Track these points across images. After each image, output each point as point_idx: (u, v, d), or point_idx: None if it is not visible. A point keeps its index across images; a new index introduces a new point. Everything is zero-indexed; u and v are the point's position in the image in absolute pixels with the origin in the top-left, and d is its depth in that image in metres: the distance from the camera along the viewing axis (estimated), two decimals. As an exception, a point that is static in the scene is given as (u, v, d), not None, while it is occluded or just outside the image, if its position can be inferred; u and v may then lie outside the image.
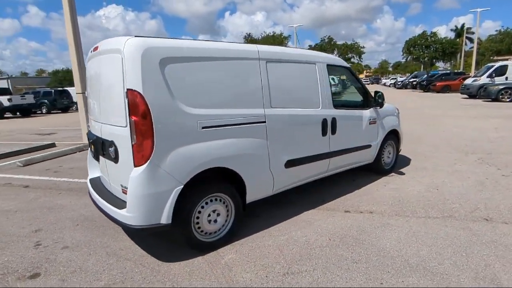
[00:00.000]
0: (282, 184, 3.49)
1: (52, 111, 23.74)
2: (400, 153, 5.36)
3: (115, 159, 2.74)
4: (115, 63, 2.52)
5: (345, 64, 4.30)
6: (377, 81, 61.72)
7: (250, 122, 3.04)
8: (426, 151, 6.34)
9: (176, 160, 2.60)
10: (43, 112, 23.45)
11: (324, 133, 3.73)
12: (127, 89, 2.43)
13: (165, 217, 2.59)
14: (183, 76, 2.64)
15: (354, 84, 4.50)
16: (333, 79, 8.52)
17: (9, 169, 6.23)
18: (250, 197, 3.21)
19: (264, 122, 3.15)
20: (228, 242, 3.04)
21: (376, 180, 4.69)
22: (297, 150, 3.52)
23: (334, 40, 47.07)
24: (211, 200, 2.91)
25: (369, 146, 4.49)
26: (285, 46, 38.18)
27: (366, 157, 4.57)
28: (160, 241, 3.09)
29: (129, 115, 2.45)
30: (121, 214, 2.61)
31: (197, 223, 2.85)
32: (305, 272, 2.55)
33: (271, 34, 38.79)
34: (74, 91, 27.43)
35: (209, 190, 2.88)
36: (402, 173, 4.97)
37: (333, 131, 3.85)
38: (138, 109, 2.42)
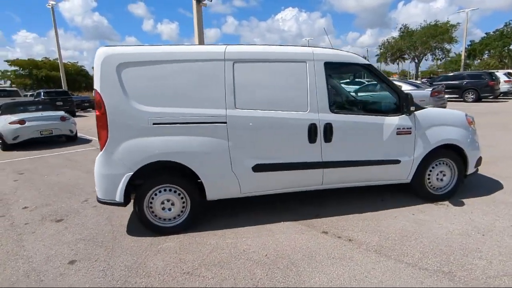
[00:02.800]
0: (252, 188, 3.37)
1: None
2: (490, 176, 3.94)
3: None
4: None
5: (359, 60, 3.53)
6: None
7: (207, 122, 3.12)
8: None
9: (127, 150, 3.04)
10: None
11: (312, 140, 3.30)
12: (94, 89, 3.04)
13: (118, 196, 3.09)
14: (138, 77, 3.02)
15: (379, 84, 3.65)
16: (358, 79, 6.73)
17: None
18: (212, 194, 3.30)
19: (225, 122, 3.15)
20: (184, 231, 3.27)
21: (409, 206, 3.69)
22: (269, 155, 3.30)
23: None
24: (164, 190, 3.21)
25: (396, 161, 3.58)
26: (450, 36, 31.82)
27: (393, 174, 3.67)
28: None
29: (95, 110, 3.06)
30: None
31: (151, 207, 3.22)
32: (202, 277, 2.53)
33: (433, 23, 32.81)
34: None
35: (161, 181, 3.19)
36: (460, 204, 3.69)
37: (327, 139, 3.34)
38: (98, 106, 3.00)
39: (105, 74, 2.96)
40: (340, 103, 3.61)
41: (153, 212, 3.24)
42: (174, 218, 3.29)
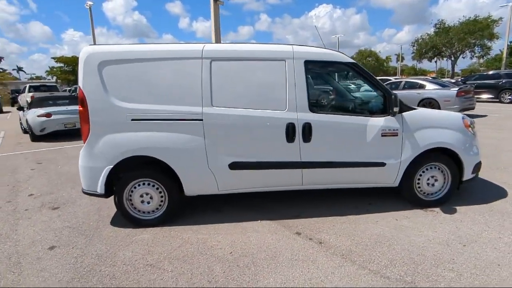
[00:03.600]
0: (230, 185, 3.40)
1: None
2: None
3: None
4: None
5: (343, 58, 3.39)
6: None
7: (184, 119, 3.18)
8: None
9: (108, 144, 3.18)
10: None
11: (290, 139, 3.26)
12: (78, 86, 3.20)
13: (99, 188, 3.25)
14: (118, 75, 3.14)
15: (366, 84, 3.51)
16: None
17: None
18: (189, 190, 3.37)
19: (201, 120, 3.19)
20: (161, 224, 3.38)
21: (396, 211, 3.53)
22: (246, 153, 3.30)
23: None
24: (143, 183, 3.33)
25: (381, 164, 3.43)
26: (491, 31, 29.33)
27: (378, 177, 3.52)
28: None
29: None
30: None
31: (130, 200, 3.35)
32: (162, 270, 2.60)
33: (473, 18, 30.50)
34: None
35: (140, 175, 3.31)
36: (452, 211, 3.46)
37: (306, 139, 3.28)
38: (81, 102, 3.16)
39: (87, 72, 3.11)
40: (322, 102, 3.52)
41: (132, 204, 3.37)
42: (153, 211, 3.40)
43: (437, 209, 3.55)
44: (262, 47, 3.32)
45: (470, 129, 3.62)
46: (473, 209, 3.52)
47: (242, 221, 3.44)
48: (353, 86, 11.34)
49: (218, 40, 10.16)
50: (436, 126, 3.48)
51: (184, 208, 3.73)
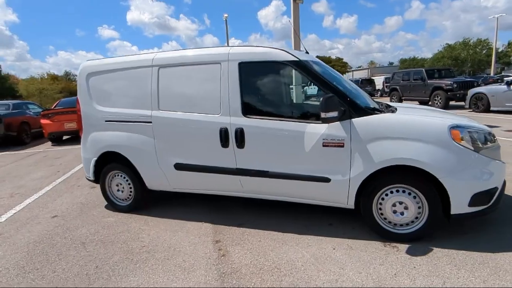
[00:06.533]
0: (178, 184, 3.59)
1: (356, 97, 27.29)
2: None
3: None
4: None
5: (281, 57, 2.90)
6: None
7: (139, 121, 3.57)
8: None
9: (93, 140, 3.92)
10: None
11: (224, 144, 3.17)
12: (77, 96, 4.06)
13: (91, 175, 4.05)
14: (98, 84, 3.81)
15: (315, 85, 2.91)
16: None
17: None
18: (149, 184, 3.76)
19: (150, 122, 3.51)
20: (130, 211, 3.90)
21: (351, 239, 2.88)
22: (187, 155, 3.40)
23: None
24: (118, 175, 3.92)
25: (325, 179, 2.85)
26: None
27: (324, 195, 2.94)
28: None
29: (79, 110, 4.10)
30: None
31: (110, 187, 4.02)
32: (82, 250, 3.08)
33: None
34: (380, 79, 29.54)
35: (113, 167, 3.90)
36: (421, 252, 2.54)
37: (240, 145, 3.10)
38: (77, 107, 4.00)
39: (80, 83, 3.92)
40: (257, 106, 3.16)
41: (111, 191, 4.03)
42: (125, 199, 3.96)
43: (402, 246, 2.69)
44: (200, 51, 3.32)
45: (462, 142, 2.55)
46: (460, 255, 2.50)
47: (190, 220, 3.57)
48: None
49: (297, 39, 9.99)
50: (400, 136, 2.62)
51: (168, 200, 4.16)
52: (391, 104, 3.73)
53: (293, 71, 3.01)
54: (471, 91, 10.97)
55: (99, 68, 3.82)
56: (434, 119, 2.70)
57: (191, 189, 3.59)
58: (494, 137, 2.79)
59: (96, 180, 4.05)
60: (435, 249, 2.61)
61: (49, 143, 10.67)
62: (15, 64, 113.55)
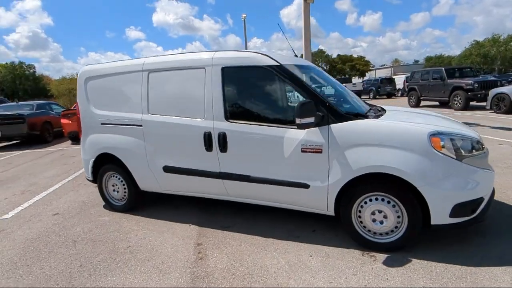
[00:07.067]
0: (167, 186, 3.66)
1: (376, 97, 26.60)
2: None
3: None
4: None
5: (262, 62, 2.87)
6: None
7: (130, 124, 3.68)
8: None
9: (90, 142, 4.08)
10: (370, 97, 26.99)
11: (208, 148, 3.20)
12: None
13: (90, 175, 4.22)
14: (94, 88, 3.96)
15: (295, 90, 2.87)
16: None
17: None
18: (142, 185, 3.86)
19: (141, 125, 3.60)
20: (126, 212, 4.04)
21: (330, 246, 2.84)
22: (174, 158, 3.47)
23: None
24: (113, 176, 4.06)
25: (305, 185, 2.82)
26: None
27: (305, 201, 2.91)
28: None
29: (78, 113, 4.27)
30: None
31: (106, 187, 4.17)
32: (72, 247, 3.22)
33: None
34: (399, 79, 28.83)
35: (109, 168, 4.04)
36: (399, 263, 2.46)
37: (223, 149, 3.13)
38: (77, 110, 4.17)
39: (79, 87, 4.08)
40: (240, 111, 3.16)
41: (107, 191, 4.17)
42: (120, 199, 4.09)
43: (381, 256, 2.62)
44: (189, 56, 3.37)
45: (445, 150, 2.44)
46: (437, 269, 2.40)
47: (179, 222, 3.64)
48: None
49: (307, 39, 9.89)
50: (377, 143, 2.55)
51: (162, 201, 4.27)
52: (386, 107, 3.64)
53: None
54: (493, 91, 10.41)
55: (96, 73, 3.96)
56: (415, 125, 2.60)
57: (179, 191, 3.66)
58: (482, 145, 2.65)
59: (94, 180, 4.21)
60: (414, 261, 2.52)
61: (69, 141, 11.15)
62: (50, 65, 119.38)
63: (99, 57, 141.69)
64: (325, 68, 59.81)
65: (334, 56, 61.92)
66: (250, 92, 3.22)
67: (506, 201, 3.56)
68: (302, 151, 2.79)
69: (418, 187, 2.44)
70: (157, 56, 3.63)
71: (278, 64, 2.94)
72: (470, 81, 11.63)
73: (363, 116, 2.87)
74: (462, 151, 2.49)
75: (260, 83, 3.13)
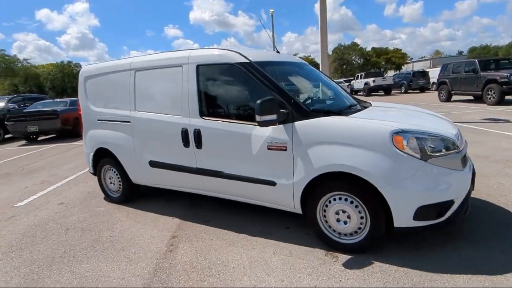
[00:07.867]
0: (155, 180, 3.82)
1: (408, 91, 25.30)
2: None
3: None
4: None
5: (232, 59, 2.86)
6: None
7: (121, 120, 3.87)
8: None
9: (90, 137, 4.35)
10: (401, 91, 25.75)
11: (185, 144, 3.29)
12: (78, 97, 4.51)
13: (91, 169, 4.50)
14: (92, 86, 4.20)
15: (263, 88, 2.82)
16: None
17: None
18: (133, 179, 4.06)
19: (129, 122, 3.78)
20: (121, 203, 4.27)
21: (297, 245, 2.81)
22: (157, 154, 3.60)
23: None
24: (110, 170, 4.30)
25: (271, 183, 2.81)
26: None
27: (273, 198, 2.90)
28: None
29: (81, 110, 4.55)
30: None
31: (104, 180, 4.42)
32: (63, 235, 3.48)
33: None
34: (436, 71, 27.16)
35: (106, 162, 4.28)
36: (358, 265, 2.38)
37: (198, 145, 3.20)
38: (79, 107, 4.45)
39: (80, 85, 4.35)
40: (213, 108, 3.18)
41: (106, 184, 4.43)
42: (116, 191, 4.33)
43: (344, 257, 2.56)
44: (169, 54, 3.46)
45: (409, 150, 2.31)
46: (396, 273, 2.30)
47: (164, 215, 3.79)
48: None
49: (324, 34, 9.63)
50: (339, 142, 2.47)
51: (157, 194, 4.46)
52: (375, 103, 3.51)
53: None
54: None
55: (93, 72, 4.20)
56: (380, 123, 2.48)
57: (166, 185, 3.79)
58: (454, 144, 2.47)
59: (95, 173, 4.49)
60: (375, 263, 2.43)
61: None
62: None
63: (140, 55, 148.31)
64: (358, 62, 57.79)
65: (369, 49, 59.54)
66: (222, 89, 3.25)
67: (504, 205, 3.28)
68: (268, 149, 2.78)
69: (379, 187, 2.34)
70: (142, 55, 3.77)
71: (247, 61, 2.94)
72: (506, 74, 10.68)
73: (335, 113, 2.79)
74: (428, 151, 2.34)
75: (231, 80, 3.15)
